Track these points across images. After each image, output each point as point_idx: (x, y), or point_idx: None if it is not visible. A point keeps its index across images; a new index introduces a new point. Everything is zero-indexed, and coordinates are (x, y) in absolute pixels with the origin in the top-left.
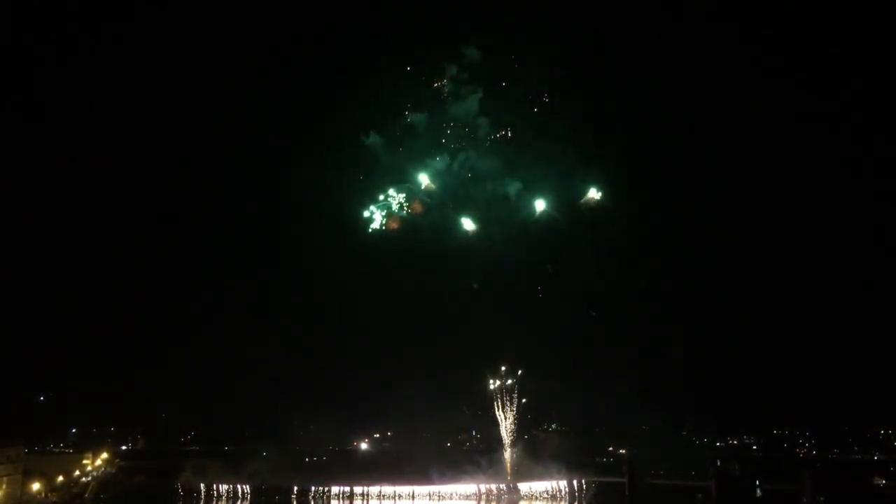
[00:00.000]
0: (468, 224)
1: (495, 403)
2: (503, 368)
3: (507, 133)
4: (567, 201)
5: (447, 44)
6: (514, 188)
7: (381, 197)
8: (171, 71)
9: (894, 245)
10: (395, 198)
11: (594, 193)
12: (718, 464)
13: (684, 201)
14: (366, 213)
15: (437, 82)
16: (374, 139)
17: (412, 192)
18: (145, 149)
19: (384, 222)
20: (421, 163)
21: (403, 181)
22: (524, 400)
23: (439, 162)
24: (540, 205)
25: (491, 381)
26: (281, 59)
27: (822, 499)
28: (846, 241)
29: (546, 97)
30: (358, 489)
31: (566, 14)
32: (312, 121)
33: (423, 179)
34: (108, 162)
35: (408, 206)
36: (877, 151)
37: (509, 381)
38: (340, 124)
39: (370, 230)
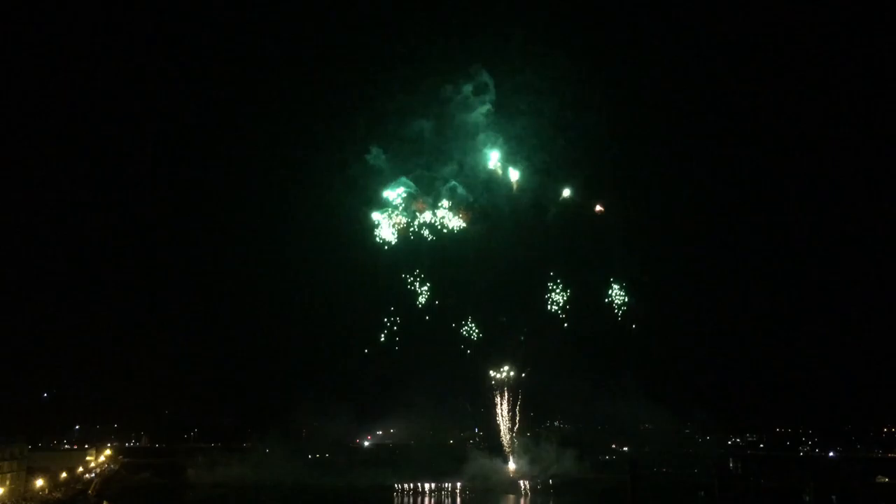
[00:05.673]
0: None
1: (498, 400)
2: (506, 366)
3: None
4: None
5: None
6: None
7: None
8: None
9: None
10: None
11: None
12: (730, 463)
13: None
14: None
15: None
16: (377, 155)
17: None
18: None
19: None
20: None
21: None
22: (527, 396)
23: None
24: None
25: (494, 379)
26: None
27: (833, 497)
28: (850, 241)
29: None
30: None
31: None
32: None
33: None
34: (126, 167)
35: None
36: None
37: (512, 378)
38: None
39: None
